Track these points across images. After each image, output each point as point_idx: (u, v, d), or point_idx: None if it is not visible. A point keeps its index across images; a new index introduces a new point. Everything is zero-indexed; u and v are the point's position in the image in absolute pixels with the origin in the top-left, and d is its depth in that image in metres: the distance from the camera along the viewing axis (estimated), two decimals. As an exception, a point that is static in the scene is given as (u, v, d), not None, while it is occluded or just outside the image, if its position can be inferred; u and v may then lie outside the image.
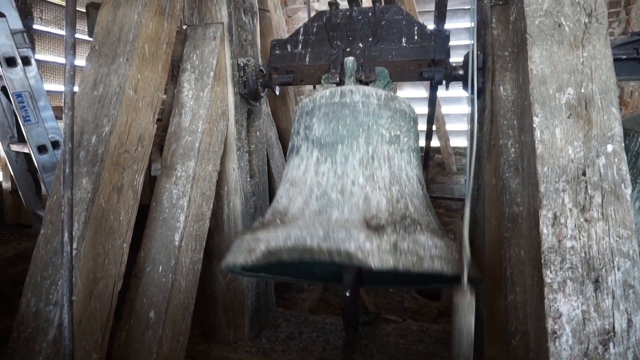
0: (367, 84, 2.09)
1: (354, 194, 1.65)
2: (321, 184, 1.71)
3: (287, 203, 1.75)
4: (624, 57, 1.74)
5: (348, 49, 2.20)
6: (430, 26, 2.35)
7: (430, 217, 1.74)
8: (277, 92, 2.51)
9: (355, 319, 2.26)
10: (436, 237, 1.54)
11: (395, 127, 1.83)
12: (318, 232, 1.47)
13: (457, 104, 4.95)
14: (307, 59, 2.29)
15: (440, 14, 2.49)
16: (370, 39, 2.21)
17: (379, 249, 1.42)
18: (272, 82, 2.38)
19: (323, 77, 2.23)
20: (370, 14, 2.25)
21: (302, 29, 2.36)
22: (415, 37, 2.18)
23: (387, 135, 1.80)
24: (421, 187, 1.85)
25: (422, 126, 4.38)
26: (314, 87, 3.47)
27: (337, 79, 2.12)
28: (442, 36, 2.15)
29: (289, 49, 2.35)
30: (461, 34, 4.18)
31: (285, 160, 2.06)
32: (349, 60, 2.09)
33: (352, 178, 1.69)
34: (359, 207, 1.61)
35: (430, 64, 2.15)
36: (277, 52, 2.37)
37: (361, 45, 2.20)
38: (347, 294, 2.13)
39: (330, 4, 2.32)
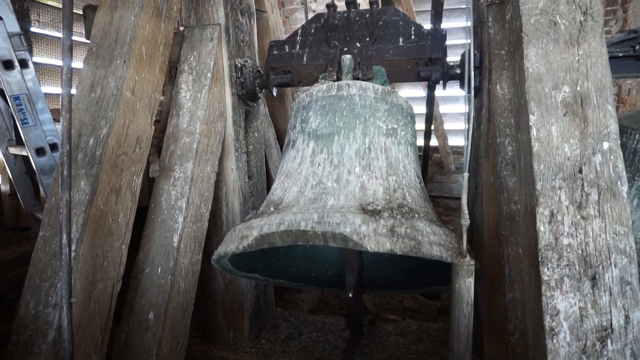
0: (364, 79, 2.11)
1: (350, 183, 1.63)
2: (317, 174, 1.70)
3: (282, 193, 1.73)
4: (621, 54, 1.75)
5: (345, 49, 2.21)
6: (428, 26, 2.37)
7: (428, 209, 1.71)
8: (275, 94, 2.52)
9: (359, 319, 2.27)
10: (435, 225, 1.52)
11: (393, 120, 1.83)
12: (312, 217, 1.44)
13: (455, 103, 4.96)
14: (305, 58, 2.29)
15: (437, 13, 2.50)
16: (368, 39, 2.21)
17: (375, 232, 1.39)
18: (270, 83, 2.38)
19: (320, 75, 2.23)
20: (367, 15, 2.26)
21: (300, 30, 2.37)
22: (412, 37, 2.19)
23: (384, 127, 1.79)
24: (419, 181, 1.84)
25: (421, 125, 4.39)
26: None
27: (335, 77, 2.13)
28: (438, 35, 2.16)
29: (287, 50, 2.35)
30: (458, 33, 4.19)
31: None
32: (346, 58, 2.09)
33: (349, 167, 1.68)
34: (355, 194, 1.58)
35: (427, 63, 2.15)
36: (275, 52, 2.37)
37: (358, 45, 2.20)
38: (350, 296, 2.16)
39: (328, 5, 2.34)
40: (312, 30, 2.35)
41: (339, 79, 2.11)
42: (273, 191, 1.83)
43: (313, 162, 1.74)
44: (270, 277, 2.21)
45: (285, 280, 2.27)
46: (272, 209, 1.64)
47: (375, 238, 1.37)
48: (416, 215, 1.54)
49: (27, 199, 3.13)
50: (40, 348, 1.56)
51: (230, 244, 1.58)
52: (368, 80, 2.08)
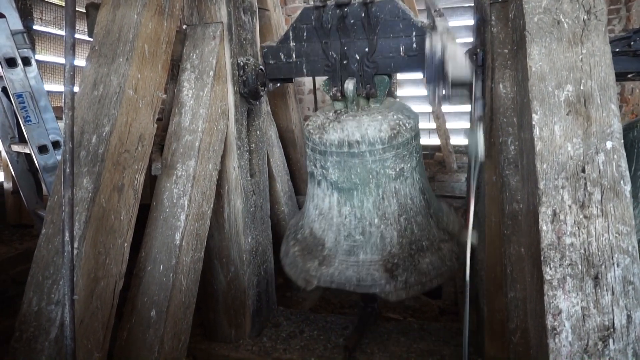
0: (368, 97, 2.19)
1: (372, 235, 2.15)
2: (345, 225, 2.18)
3: (322, 234, 2.28)
4: (617, 49, 1.74)
5: (345, 61, 2.16)
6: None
7: (430, 224, 2.23)
8: (277, 84, 2.58)
9: (354, 349, 2.40)
10: (433, 255, 2.16)
11: (399, 161, 2.12)
12: (352, 280, 2.14)
13: (457, 102, 4.95)
14: (304, 70, 2.28)
15: None
16: (367, 49, 2.12)
17: (395, 288, 2.08)
18: (272, 85, 2.45)
19: (323, 83, 2.26)
20: (362, 14, 2.08)
21: (290, 33, 2.25)
22: (414, 45, 2.08)
23: (392, 173, 2.12)
24: (422, 196, 2.23)
25: (423, 124, 4.38)
26: (313, 78, 3.48)
27: (340, 96, 2.19)
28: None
29: (283, 59, 2.30)
30: (461, 31, 4.18)
31: (299, 182, 2.63)
32: (349, 86, 2.10)
33: (369, 220, 2.14)
34: (377, 246, 2.15)
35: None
36: (272, 62, 2.33)
37: (357, 57, 2.15)
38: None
39: (316, 7, 2.15)
40: (305, 34, 2.21)
41: (343, 95, 2.18)
42: (311, 222, 2.34)
43: (340, 212, 2.20)
44: None
45: None
46: (319, 250, 2.27)
47: (395, 293, 2.09)
48: (421, 253, 2.15)
49: (30, 197, 3.13)
50: (42, 345, 1.57)
51: (299, 281, 2.28)
52: (372, 96, 2.18)
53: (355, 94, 2.14)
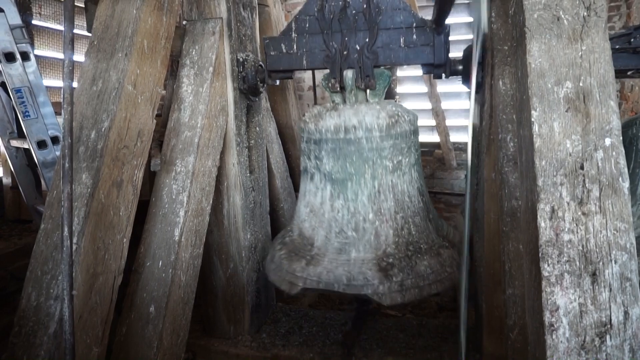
0: (367, 89, 2.17)
1: (366, 231, 2.00)
2: (337, 220, 2.05)
3: (311, 232, 2.14)
4: (617, 46, 1.74)
5: (345, 52, 2.16)
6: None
7: (429, 228, 2.11)
8: (277, 82, 2.56)
9: (353, 345, 2.40)
10: (432, 258, 2.01)
11: (397, 153, 2.04)
12: (342, 280, 1.95)
13: (457, 99, 4.95)
14: (304, 62, 2.28)
15: (441, 12, 2.46)
16: (367, 40, 2.14)
17: (390, 290, 1.89)
18: (272, 79, 2.43)
19: (322, 78, 2.25)
20: (365, 5, 2.14)
21: (293, 24, 2.28)
22: (414, 37, 2.12)
23: (390, 165, 2.03)
24: (421, 199, 2.13)
25: (423, 121, 4.38)
26: (313, 74, 3.47)
27: (338, 87, 2.18)
28: (441, 37, 2.10)
29: (284, 50, 2.30)
30: (461, 28, 4.17)
31: (300, 180, 2.36)
32: (348, 74, 2.10)
33: (363, 215, 2.01)
34: (371, 244, 2.00)
35: (429, 67, 2.16)
36: (273, 53, 2.33)
37: (358, 48, 2.15)
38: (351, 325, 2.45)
39: None
40: (307, 25, 2.24)
41: (342, 87, 2.17)
42: (301, 222, 2.21)
43: (333, 207, 2.07)
44: None
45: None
46: (307, 249, 2.11)
47: (389, 295, 1.89)
48: (419, 255, 2.00)
49: (29, 192, 3.14)
50: (41, 340, 1.57)
51: (283, 285, 2.10)
52: (370, 88, 2.15)
53: (354, 83, 2.13)
